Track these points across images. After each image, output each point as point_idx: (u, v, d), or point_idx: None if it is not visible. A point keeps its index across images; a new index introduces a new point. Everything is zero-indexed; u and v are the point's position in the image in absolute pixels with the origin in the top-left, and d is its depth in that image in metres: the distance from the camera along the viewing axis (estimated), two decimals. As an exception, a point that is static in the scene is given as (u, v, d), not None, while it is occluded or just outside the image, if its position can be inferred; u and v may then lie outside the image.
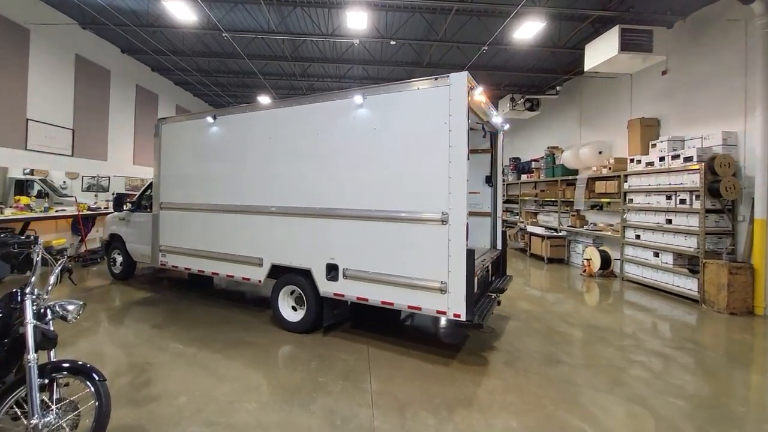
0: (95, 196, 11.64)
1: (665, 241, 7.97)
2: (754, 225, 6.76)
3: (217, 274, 5.83)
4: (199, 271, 6.03)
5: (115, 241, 7.77)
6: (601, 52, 7.48)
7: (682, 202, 7.60)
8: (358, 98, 4.52)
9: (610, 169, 9.77)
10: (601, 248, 9.71)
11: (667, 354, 4.77)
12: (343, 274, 4.65)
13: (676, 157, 7.77)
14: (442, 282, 4.04)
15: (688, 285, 7.41)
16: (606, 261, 9.48)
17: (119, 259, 7.72)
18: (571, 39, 8.84)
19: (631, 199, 9.01)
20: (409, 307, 4.24)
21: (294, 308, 5.25)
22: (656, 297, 7.68)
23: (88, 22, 9.54)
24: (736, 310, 6.59)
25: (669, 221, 7.90)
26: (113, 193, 12.03)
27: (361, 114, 4.54)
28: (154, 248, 6.64)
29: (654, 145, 8.61)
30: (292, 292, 5.25)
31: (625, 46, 7.06)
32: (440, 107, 4.04)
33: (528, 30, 7.88)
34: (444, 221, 4.02)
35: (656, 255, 8.19)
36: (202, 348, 4.55)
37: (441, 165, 4.03)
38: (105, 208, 10.52)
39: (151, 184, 7.33)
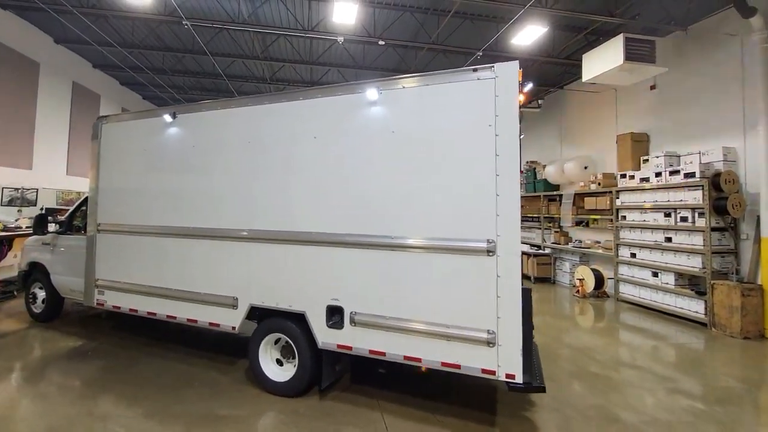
0: (18, 211, 9.56)
1: (665, 260, 7.60)
2: (761, 244, 6.48)
3: (174, 318, 4.46)
4: (149, 313, 4.62)
5: (36, 272, 6.05)
6: (603, 61, 7.05)
7: (683, 219, 7.26)
8: (371, 93, 3.51)
9: (599, 184, 9.43)
10: (593, 267, 9.26)
11: (720, 397, 4.11)
12: (350, 319, 3.54)
13: (674, 172, 7.47)
14: (489, 331, 3.06)
15: (693, 307, 7.01)
16: (599, 281, 9.02)
17: (41, 294, 6.01)
18: (565, 50, 8.45)
19: (624, 216, 8.67)
20: (444, 364, 3.21)
21: (279, 362, 4.03)
22: (658, 320, 7.22)
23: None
24: (749, 334, 6.20)
25: (669, 239, 7.54)
26: (42, 209, 9.99)
27: (375, 113, 3.52)
28: (89, 282, 5.11)
29: (646, 161, 8.34)
30: (277, 341, 4.03)
31: (630, 55, 6.65)
32: (483, 106, 3.14)
33: (528, 35, 7.34)
34: (490, 251, 3.07)
35: (655, 275, 7.80)
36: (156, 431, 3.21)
37: (485, 179, 3.10)
38: (27, 227, 8.57)
39: (86, 199, 5.79)
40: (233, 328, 4.08)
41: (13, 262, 8.26)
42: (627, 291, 8.50)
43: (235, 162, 4.15)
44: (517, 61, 3.11)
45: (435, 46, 8.04)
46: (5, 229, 7.99)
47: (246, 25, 7.52)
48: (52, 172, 10.26)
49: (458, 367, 3.16)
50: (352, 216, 3.55)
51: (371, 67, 9.80)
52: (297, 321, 3.81)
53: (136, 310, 4.72)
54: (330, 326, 3.61)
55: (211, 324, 4.21)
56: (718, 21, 7.18)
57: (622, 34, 6.59)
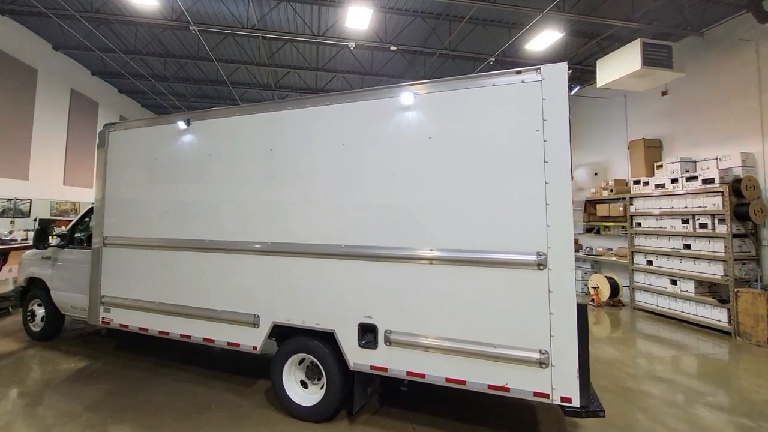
0: (11, 223, 9.20)
1: (684, 267, 7.45)
2: (784, 250, 6.36)
3: (189, 337, 4.17)
4: (160, 333, 4.33)
5: (35, 288, 5.72)
6: (619, 67, 6.96)
7: (703, 226, 7.13)
8: (406, 97, 3.31)
9: (611, 191, 9.32)
10: (607, 275, 9.10)
11: (763, 411, 3.93)
12: (384, 338, 3.30)
13: (692, 178, 7.36)
14: (541, 351, 2.84)
15: (715, 315, 6.85)
16: (614, 289, 8.85)
17: (40, 312, 5.68)
18: (576, 56, 8.39)
19: (639, 223, 8.55)
20: (491, 387, 2.98)
21: (304, 384, 3.76)
22: (679, 328, 7.06)
23: (6, 4, 7.49)
24: (777, 343, 6.05)
25: (687, 246, 7.41)
26: (35, 220, 9.62)
27: (409, 118, 3.32)
28: (94, 299, 4.80)
29: (660, 167, 8.25)
30: (301, 361, 3.77)
31: (647, 60, 6.57)
32: (529, 110, 2.96)
33: (543, 41, 7.25)
34: (541, 265, 2.87)
35: (674, 282, 7.65)
36: (175, 468, 2.94)
37: (533, 188, 2.91)
38: (23, 239, 8.22)
39: (90, 210, 5.51)
40: (254, 348, 3.82)
41: (8, 277, 7.91)
42: (643, 299, 8.34)
43: (255, 171, 3.91)
44: (566, 63, 2.94)
45: (447, 51, 7.93)
46: (0, 242, 7.64)
47: (255, 30, 7.33)
48: (48, 182, 9.92)
49: (507, 390, 2.94)
50: (385, 228, 3.33)
51: (379, 73, 9.66)
52: (325, 340, 3.56)
53: (146, 329, 4.43)
54: (362, 346, 3.37)
55: (229, 344, 3.94)
56: (732, 26, 7.15)
57: (639, 39, 6.52)
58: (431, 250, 3.17)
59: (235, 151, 4.03)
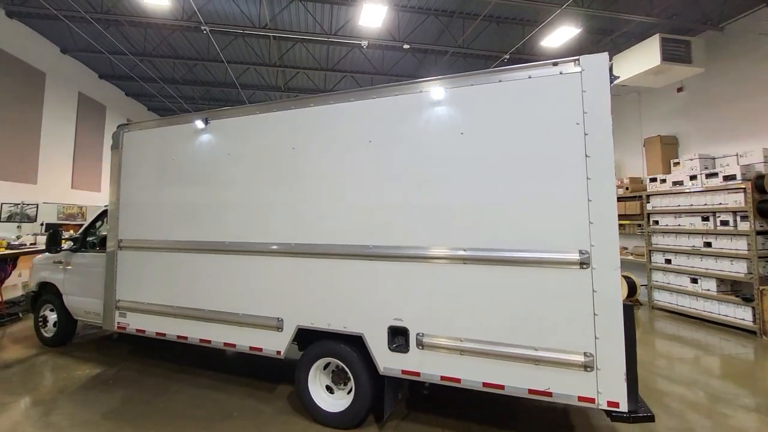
0: (18, 227, 9.11)
1: (705, 265, 7.30)
2: (811, 247, 6.21)
3: (209, 342, 4.05)
4: (179, 337, 4.21)
5: (46, 293, 5.62)
6: (637, 62, 6.85)
7: (724, 223, 6.99)
8: (436, 92, 3.20)
9: (627, 189, 9.18)
10: (624, 274, 8.94)
11: (818, 419, 3.77)
12: (416, 342, 3.17)
13: (711, 175, 7.22)
14: (585, 354, 2.71)
15: (739, 314, 6.69)
16: (632, 288, 8.69)
17: (52, 317, 5.57)
18: (590, 53, 8.26)
19: (657, 221, 8.40)
20: (532, 392, 2.85)
21: (329, 389, 3.64)
22: (701, 328, 6.90)
23: (15, 6, 7.43)
24: (805, 342, 5.89)
25: (708, 244, 7.25)
26: (42, 224, 9.53)
27: (440, 113, 3.21)
28: (108, 304, 4.70)
29: (677, 164, 8.12)
30: (326, 366, 3.65)
31: (666, 56, 6.45)
32: (568, 102, 2.84)
33: (559, 37, 7.14)
34: (584, 264, 2.74)
35: (694, 281, 7.50)
36: (203, 479, 2.81)
37: (575, 183, 2.79)
38: (32, 244, 8.12)
39: (103, 213, 5.42)
40: (278, 352, 3.69)
41: (17, 282, 7.83)
42: (662, 299, 8.18)
43: (277, 170, 3.80)
44: (607, 53, 2.84)
45: (461, 50, 7.83)
46: (9, 246, 7.54)
47: (267, 30, 7.24)
48: (56, 186, 9.85)
49: (549, 394, 2.80)
50: (415, 227, 3.21)
51: (389, 72, 9.57)
52: (352, 344, 3.44)
53: (164, 334, 4.32)
54: (393, 349, 3.24)
55: (252, 348, 3.82)
56: (752, 21, 7.03)
57: (658, 34, 6.41)
58: (465, 250, 3.05)
59: (256, 150, 3.92)
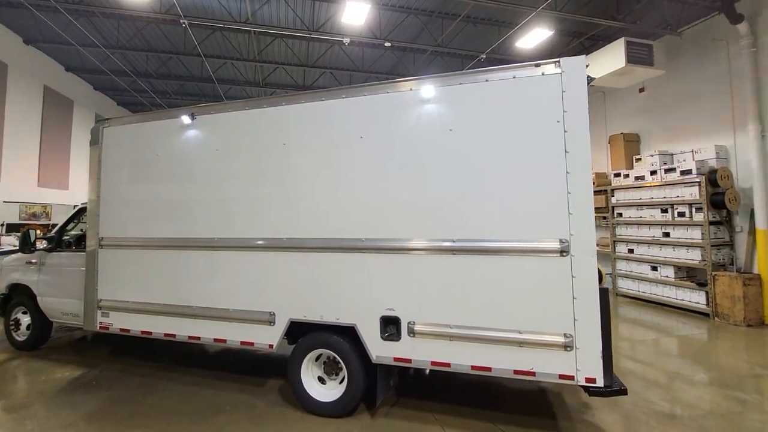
0: (-24, 229, 8.56)
1: (664, 254, 7.82)
2: (756, 236, 6.78)
3: (198, 339, 4.01)
4: (166, 335, 4.13)
5: (18, 295, 5.34)
6: (604, 64, 7.22)
7: (681, 215, 7.50)
8: (427, 89, 3.30)
9: (593, 183, 9.64)
10: (592, 263, 9.42)
11: (756, 385, 4.18)
12: (408, 330, 3.28)
13: (670, 170, 7.73)
14: (565, 335, 2.90)
15: (694, 298, 7.23)
16: (599, 276, 9.16)
17: (25, 320, 5.30)
18: (561, 55, 8.61)
19: (620, 213, 8.90)
20: (517, 372, 3.01)
21: (321, 380, 3.69)
22: (660, 312, 7.43)
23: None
24: (752, 321, 6.45)
25: (667, 234, 7.77)
26: (2, 225, 8.98)
27: (429, 111, 3.30)
28: (89, 304, 4.54)
29: (639, 159, 8.62)
30: (318, 357, 3.69)
31: (631, 58, 6.83)
32: (549, 101, 3.00)
33: (533, 38, 7.41)
34: (564, 252, 2.92)
35: (654, 269, 8.02)
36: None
37: (555, 177, 2.96)
38: (-5, 244, 7.67)
39: (79, 211, 5.20)
40: (270, 346, 3.70)
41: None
42: (626, 286, 8.70)
43: (268, 166, 3.79)
44: (584, 56, 3.01)
45: (440, 48, 7.96)
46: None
47: (247, 24, 7.09)
48: (21, 185, 9.27)
49: (533, 374, 2.98)
50: (408, 220, 3.31)
51: (368, 70, 9.60)
52: (345, 335, 3.50)
53: (150, 333, 4.22)
54: (385, 338, 3.33)
55: (243, 343, 3.81)
56: (707, 27, 7.53)
57: (623, 38, 6.77)
58: (454, 241, 3.17)
59: (246, 146, 3.89)
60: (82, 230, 5.49)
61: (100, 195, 4.55)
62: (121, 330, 4.38)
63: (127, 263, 4.39)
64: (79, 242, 5.44)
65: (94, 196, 4.57)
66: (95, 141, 4.56)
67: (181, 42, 8.23)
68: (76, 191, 10.83)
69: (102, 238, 4.51)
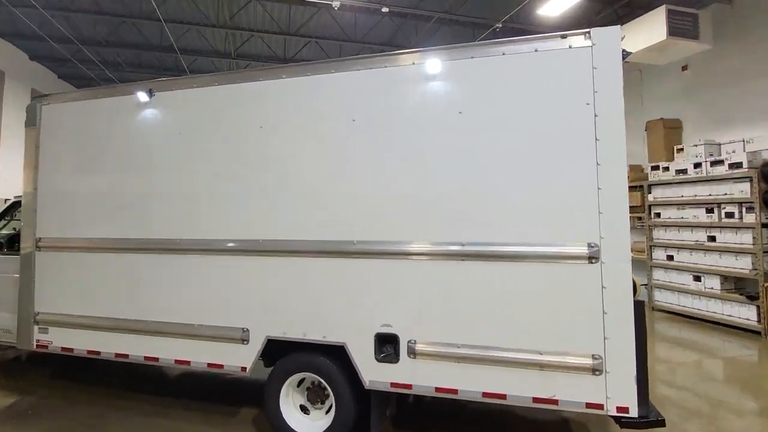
0: None
1: (708, 261, 7.90)
2: (816, 241, 6.88)
3: (156, 360, 4.00)
4: (118, 355, 4.11)
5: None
6: (642, 36, 7.27)
7: (729, 215, 7.58)
8: (432, 64, 3.30)
9: (628, 178, 9.72)
10: (624, 272, 9.51)
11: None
12: (407, 350, 3.29)
13: (716, 163, 7.79)
14: (594, 357, 2.93)
15: (743, 314, 7.32)
16: (633, 288, 9.27)
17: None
18: (590, 25, 8.68)
19: (658, 214, 8.97)
20: (536, 400, 3.04)
21: (304, 409, 3.70)
22: (703, 329, 7.51)
23: None
24: (810, 341, 6.56)
25: (712, 238, 7.85)
26: None
27: (435, 89, 3.32)
28: (24, 318, 4.50)
29: (681, 150, 8.69)
30: (300, 382, 3.70)
31: (673, 30, 6.89)
32: (577, 80, 3.02)
33: (558, 5, 7.47)
34: (593, 258, 2.95)
35: (697, 279, 8.10)
36: None
37: (583, 169, 2.98)
38: None
39: (12, 206, 5.17)
40: (243, 369, 3.70)
41: None
42: (663, 299, 8.78)
43: (241, 153, 3.79)
44: (619, 27, 3.03)
45: (448, 15, 7.99)
46: None
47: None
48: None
49: (555, 402, 3.01)
50: (408, 219, 3.32)
51: (362, 40, 9.62)
52: (332, 355, 3.51)
53: (98, 353, 4.20)
54: (381, 360, 3.34)
55: (211, 365, 3.80)
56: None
57: (664, 5, 6.82)
58: (462, 245, 3.19)
59: (214, 129, 3.88)
60: (15, 229, 5.45)
61: (37, 187, 4.52)
62: (63, 349, 4.35)
63: (70, 269, 4.37)
64: (12, 243, 5.38)
65: (30, 188, 4.54)
66: (32, 122, 4.53)
67: (136, 4, 8.16)
68: (8, 182, 10.71)
69: (39, 238, 4.49)
